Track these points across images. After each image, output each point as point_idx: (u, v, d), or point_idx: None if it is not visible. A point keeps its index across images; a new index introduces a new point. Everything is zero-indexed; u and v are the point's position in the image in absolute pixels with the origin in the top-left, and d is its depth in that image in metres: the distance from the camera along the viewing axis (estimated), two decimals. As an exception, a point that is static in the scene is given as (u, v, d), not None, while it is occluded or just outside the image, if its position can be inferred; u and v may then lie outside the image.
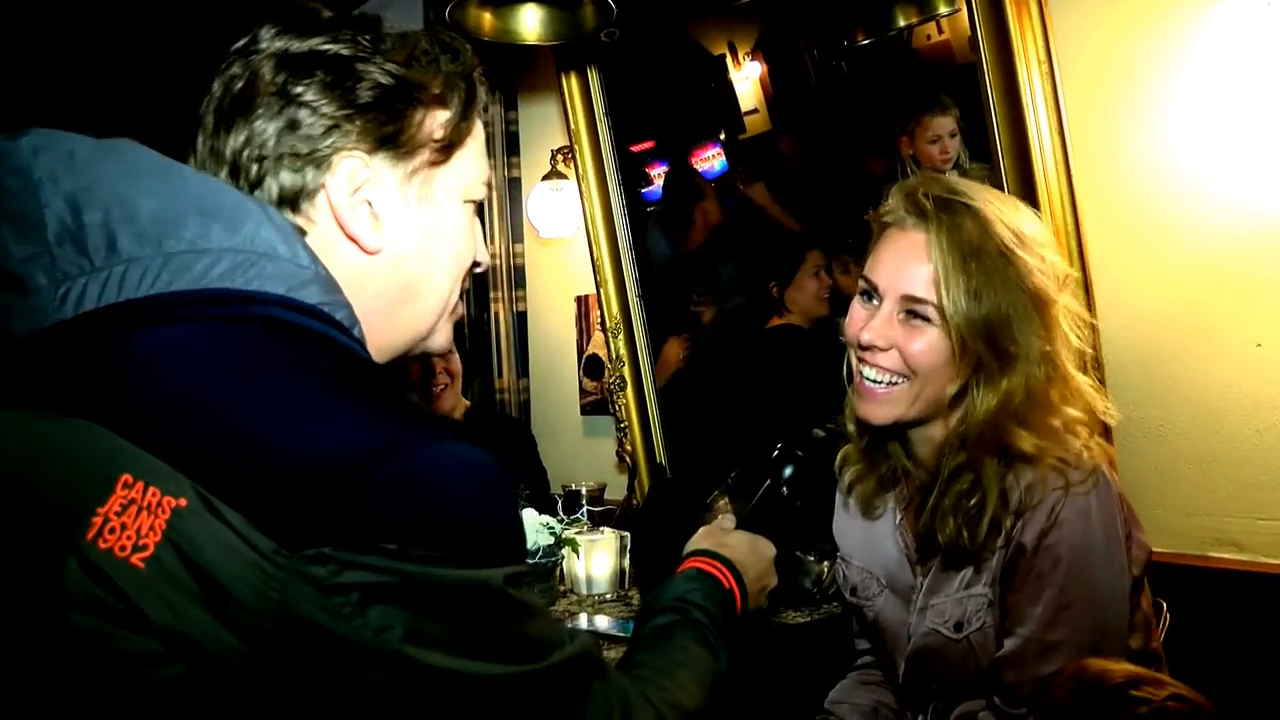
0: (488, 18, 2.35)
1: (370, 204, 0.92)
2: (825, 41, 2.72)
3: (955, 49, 2.35)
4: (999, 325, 1.33)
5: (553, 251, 3.45)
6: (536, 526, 2.04)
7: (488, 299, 3.51)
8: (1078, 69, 2.05)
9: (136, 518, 0.73)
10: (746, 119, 2.91)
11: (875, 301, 1.42)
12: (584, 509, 2.35)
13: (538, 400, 3.58)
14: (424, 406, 2.60)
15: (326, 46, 0.91)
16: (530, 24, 2.37)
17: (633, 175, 3.16)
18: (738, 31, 2.88)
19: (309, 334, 0.82)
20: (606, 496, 2.80)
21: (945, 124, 2.35)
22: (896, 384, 1.40)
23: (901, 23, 2.52)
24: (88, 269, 0.79)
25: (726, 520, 1.38)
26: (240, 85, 0.91)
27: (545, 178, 3.25)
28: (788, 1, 2.75)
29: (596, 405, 3.36)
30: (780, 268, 2.75)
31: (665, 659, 1.05)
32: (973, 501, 1.37)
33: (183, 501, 0.73)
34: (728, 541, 1.30)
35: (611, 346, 3.16)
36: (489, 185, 1.04)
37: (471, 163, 1.00)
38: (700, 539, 1.32)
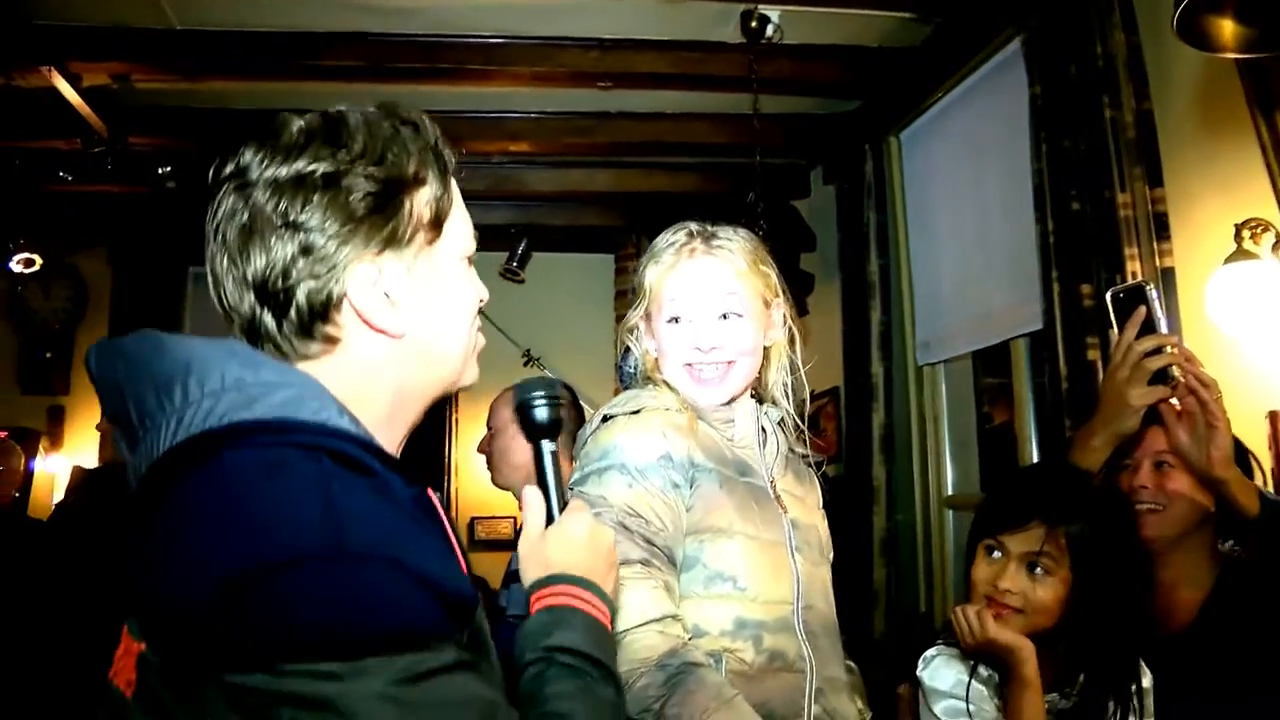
0: (1229, 27, 1.76)
1: (387, 295, 1.03)
2: None
3: None
4: None
5: (1234, 352, 2.66)
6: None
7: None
8: None
9: None
10: None
11: None
12: None
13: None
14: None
15: (312, 167, 1.00)
16: (1304, 22, 1.73)
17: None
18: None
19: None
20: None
21: None
22: None
23: None
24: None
25: (531, 529, 1.22)
26: (245, 218, 1.00)
27: (1229, 260, 2.52)
28: None
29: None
30: None
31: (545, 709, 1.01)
32: None
33: None
34: (550, 558, 1.16)
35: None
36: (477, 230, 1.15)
37: (460, 225, 1.12)
38: (526, 565, 1.18)
